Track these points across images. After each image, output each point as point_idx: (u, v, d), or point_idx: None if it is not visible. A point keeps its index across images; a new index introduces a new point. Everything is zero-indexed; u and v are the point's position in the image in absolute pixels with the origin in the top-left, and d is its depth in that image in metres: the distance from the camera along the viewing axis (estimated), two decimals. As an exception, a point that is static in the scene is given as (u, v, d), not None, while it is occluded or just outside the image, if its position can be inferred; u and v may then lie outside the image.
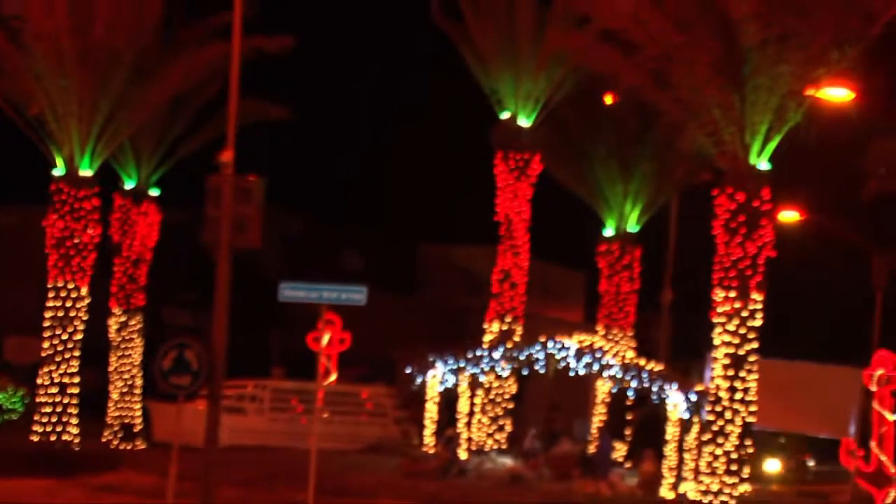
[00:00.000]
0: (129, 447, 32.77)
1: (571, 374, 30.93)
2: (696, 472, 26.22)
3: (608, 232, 35.55)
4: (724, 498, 24.78)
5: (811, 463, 40.58)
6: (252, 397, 36.18)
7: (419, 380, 32.01)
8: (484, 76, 33.33)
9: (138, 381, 33.74)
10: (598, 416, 35.06)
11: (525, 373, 32.37)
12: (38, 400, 29.69)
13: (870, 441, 32.26)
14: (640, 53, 25.09)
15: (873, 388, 31.93)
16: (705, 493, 25.00)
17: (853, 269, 44.29)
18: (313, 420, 28.89)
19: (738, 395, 24.93)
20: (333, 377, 33.41)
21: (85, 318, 29.58)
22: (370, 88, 71.30)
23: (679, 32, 24.61)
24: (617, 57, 26.08)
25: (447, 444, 31.07)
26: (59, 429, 28.96)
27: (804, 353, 34.88)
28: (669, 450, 29.30)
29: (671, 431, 29.35)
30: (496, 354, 31.23)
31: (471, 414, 32.42)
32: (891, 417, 32.37)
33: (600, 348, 30.66)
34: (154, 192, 34.25)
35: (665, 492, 28.41)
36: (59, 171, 29.38)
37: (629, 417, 35.89)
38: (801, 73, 24.48)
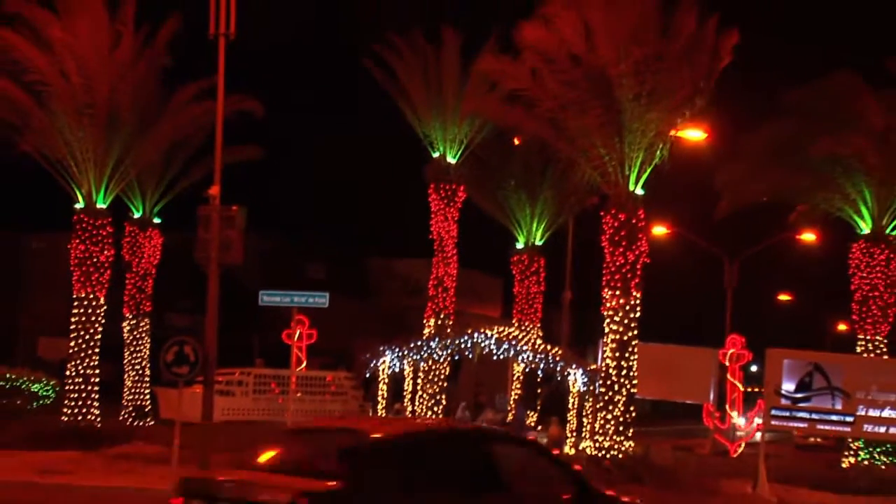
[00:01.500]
0: (140, 424, 32.41)
1: (493, 358, 31.04)
2: (592, 433, 26.35)
3: (519, 245, 35.75)
4: (613, 453, 24.90)
5: None
6: (239, 382, 35.95)
7: (372, 365, 31.97)
8: (418, 123, 33.39)
9: (147, 372, 33.45)
10: (515, 391, 35.22)
11: (456, 358, 32.44)
12: (66, 388, 29.29)
13: (725, 405, 32.79)
14: (539, 106, 25.22)
15: (726, 364, 32.52)
16: (599, 449, 25.11)
17: (709, 272, 44.93)
18: (288, 399, 28.82)
19: (624, 372, 25.02)
20: (303, 365, 33.24)
21: (103, 321, 29.25)
22: (327, 136, 71.22)
23: (569, 91, 24.78)
24: (520, 111, 26.20)
25: (395, 416, 31.03)
26: (83, 411, 28.56)
27: (673, 338, 35.24)
28: (571, 416, 29.50)
29: (572, 402, 29.56)
30: (433, 344, 31.27)
31: (414, 392, 32.44)
32: (741, 386, 32.93)
33: (515, 337, 30.79)
34: (157, 220, 34.05)
35: (568, 450, 28.57)
36: (79, 204, 29.05)
37: (539, 391, 36.08)
38: (665, 119, 24.73)
